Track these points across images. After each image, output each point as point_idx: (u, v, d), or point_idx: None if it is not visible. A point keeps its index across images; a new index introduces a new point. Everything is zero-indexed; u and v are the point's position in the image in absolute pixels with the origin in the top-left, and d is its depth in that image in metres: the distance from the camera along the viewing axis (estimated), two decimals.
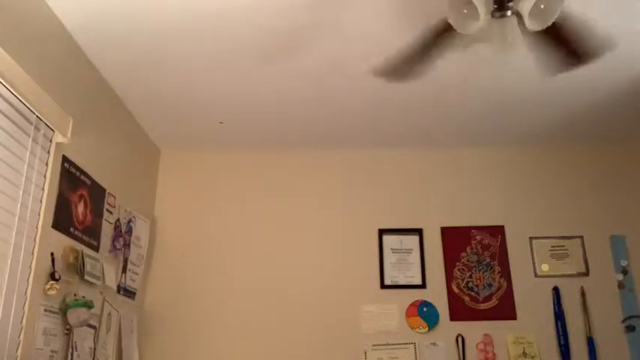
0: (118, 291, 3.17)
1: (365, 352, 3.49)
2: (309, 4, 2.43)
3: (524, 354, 3.46)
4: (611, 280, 3.61)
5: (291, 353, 3.50)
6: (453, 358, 3.48)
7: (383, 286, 3.64)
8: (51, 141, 2.48)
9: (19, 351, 2.19)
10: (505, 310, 3.58)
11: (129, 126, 3.45)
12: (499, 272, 3.67)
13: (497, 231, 3.76)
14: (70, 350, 2.54)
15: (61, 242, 2.53)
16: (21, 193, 2.23)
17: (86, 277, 2.68)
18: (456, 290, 3.64)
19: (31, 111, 2.29)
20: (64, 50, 2.63)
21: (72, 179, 2.64)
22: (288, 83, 3.10)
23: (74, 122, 2.60)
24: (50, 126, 2.43)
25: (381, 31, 2.60)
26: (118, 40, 2.70)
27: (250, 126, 3.62)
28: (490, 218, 3.80)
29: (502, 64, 2.92)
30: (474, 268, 3.68)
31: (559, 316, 3.53)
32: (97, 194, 2.92)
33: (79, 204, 2.71)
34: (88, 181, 2.82)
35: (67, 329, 2.53)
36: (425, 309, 3.59)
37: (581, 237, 3.72)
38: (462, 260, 3.70)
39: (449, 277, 3.66)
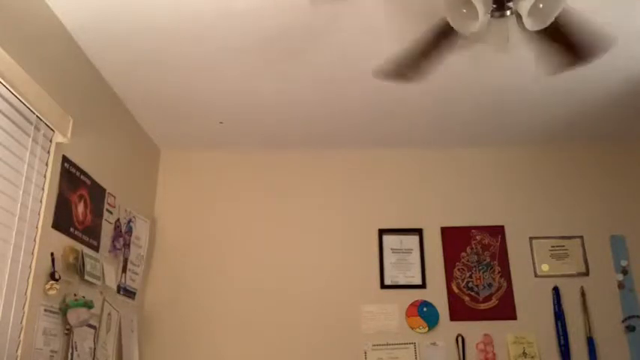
0: (118, 291, 3.17)
1: (365, 352, 3.49)
2: (309, 5, 2.43)
3: (524, 354, 3.46)
4: (611, 280, 3.61)
5: (291, 353, 3.50)
6: (453, 358, 3.48)
7: (383, 286, 3.64)
8: (51, 141, 2.48)
9: (19, 351, 2.19)
10: (505, 310, 3.58)
11: (129, 126, 3.46)
12: (499, 272, 3.67)
13: (497, 231, 3.76)
14: (70, 350, 2.54)
15: (61, 242, 2.53)
16: (21, 193, 2.24)
17: (86, 277, 2.68)
18: (456, 290, 3.64)
19: (31, 111, 2.29)
20: (64, 50, 2.63)
21: (72, 179, 2.64)
22: (288, 83, 3.10)
23: (74, 122, 2.60)
24: (50, 126, 2.43)
25: (382, 31, 2.60)
26: (118, 40, 2.70)
27: (250, 126, 3.62)
28: (490, 218, 3.80)
29: (502, 64, 2.92)
30: (474, 268, 3.68)
31: (559, 316, 3.53)
32: (97, 194, 2.92)
33: (79, 204, 2.71)
34: (88, 181, 2.82)
35: (67, 329, 2.54)
36: (425, 309, 3.59)
37: (581, 237, 3.72)
38: (462, 260, 3.70)
39: (449, 277, 3.66)
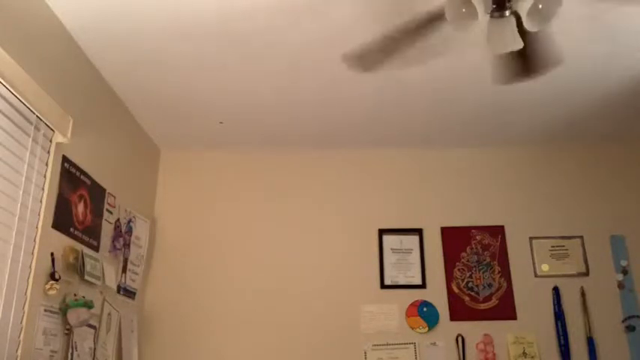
0: (118, 291, 3.17)
1: (365, 352, 3.49)
2: (311, 4, 2.44)
3: (524, 354, 3.46)
4: (611, 280, 3.61)
5: (291, 353, 3.50)
6: (453, 358, 3.48)
7: (383, 286, 3.65)
8: (51, 141, 2.48)
9: (19, 351, 2.19)
10: (505, 310, 3.58)
11: (129, 126, 3.46)
12: (499, 272, 3.67)
13: (497, 231, 3.76)
14: (70, 350, 2.54)
15: (61, 242, 2.53)
16: (21, 193, 2.24)
17: (86, 277, 2.68)
18: (456, 290, 3.64)
19: (31, 111, 2.29)
20: (64, 50, 2.63)
21: (72, 179, 2.64)
22: (288, 83, 3.10)
23: (74, 122, 2.60)
24: (50, 126, 2.43)
25: (381, 31, 2.60)
26: (118, 40, 2.71)
27: (250, 126, 3.62)
28: (490, 218, 3.80)
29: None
30: (474, 268, 3.68)
31: (559, 316, 3.53)
32: (97, 194, 2.92)
33: (79, 204, 2.71)
34: (88, 181, 2.82)
35: (67, 329, 2.54)
36: (425, 309, 3.59)
37: (581, 237, 3.72)
38: (462, 260, 3.70)
39: (449, 277, 3.66)
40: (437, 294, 3.63)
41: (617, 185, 3.83)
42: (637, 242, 3.68)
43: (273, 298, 3.62)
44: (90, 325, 2.75)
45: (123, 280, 3.24)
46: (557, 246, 3.71)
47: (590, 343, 3.46)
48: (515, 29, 1.92)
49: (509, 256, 3.71)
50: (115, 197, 3.14)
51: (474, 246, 3.73)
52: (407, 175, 3.92)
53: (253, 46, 2.75)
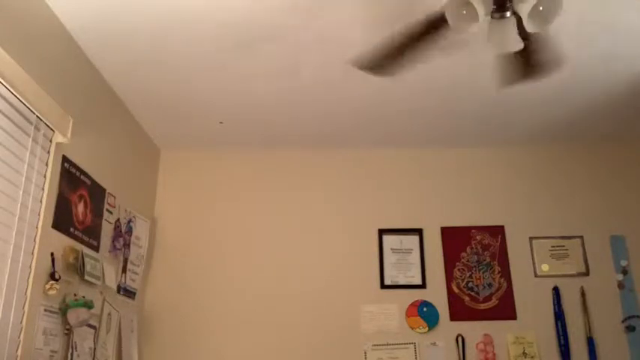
0: (118, 291, 3.17)
1: (365, 352, 3.50)
2: (311, 4, 2.43)
3: (524, 354, 3.46)
4: (611, 280, 3.61)
5: (291, 353, 3.50)
6: (453, 358, 3.48)
7: (383, 286, 3.65)
8: (51, 141, 2.48)
9: (19, 351, 2.19)
10: (505, 310, 3.58)
11: (129, 126, 3.46)
12: (499, 272, 3.67)
13: (497, 231, 3.76)
14: (70, 350, 2.54)
15: (61, 242, 2.53)
16: (21, 193, 2.24)
17: (86, 277, 2.68)
18: (456, 290, 3.64)
19: (31, 111, 2.29)
20: (64, 50, 2.63)
21: (72, 179, 2.64)
22: (288, 83, 3.10)
23: (74, 122, 2.60)
24: (50, 126, 2.43)
25: (380, 31, 2.60)
26: (118, 40, 2.70)
27: (250, 126, 3.62)
28: (490, 218, 3.80)
29: (502, 65, 2.91)
30: (474, 268, 3.69)
31: (559, 316, 3.53)
32: (97, 194, 2.92)
33: (79, 204, 2.71)
34: (88, 181, 2.82)
35: (67, 329, 2.54)
36: (425, 309, 3.59)
37: (581, 237, 3.72)
38: (462, 260, 3.70)
39: (449, 277, 3.66)
40: (437, 294, 3.63)
41: (617, 185, 3.83)
42: (637, 242, 3.68)
43: (273, 298, 3.62)
44: (90, 325, 2.75)
45: (123, 280, 3.24)
46: (557, 246, 3.71)
47: (590, 343, 3.46)
48: (516, 30, 1.92)
49: (509, 256, 3.71)
50: (115, 197, 3.14)
51: (473, 246, 3.73)
52: (407, 175, 3.92)
53: (253, 46, 2.75)
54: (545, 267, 3.66)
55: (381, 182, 3.90)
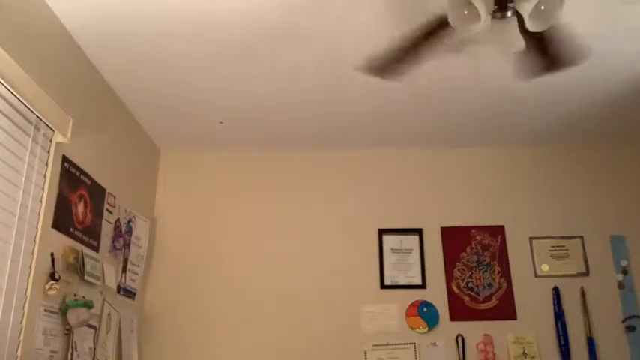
0: (118, 291, 3.16)
1: (365, 352, 3.49)
2: (310, 4, 2.43)
3: (524, 354, 3.46)
4: (611, 280, 3.61)
5: (291, 353, 3.50)
6: (453, 358, 3.48)
7: (383, 286, 3.64)
8: (51, 141, 2.48)
9: (19, 351, 2.19)
10: (505, 310, 3.58)
11: (129, 126, 3.45)
12: (499, 272, 3.67)
13: (497, 231, 3.76)
14: (70, 350, 2.54)
15: (61, 242, 2.53)
16: (21, 193, 2.23)
17: (86, 277, 2.68)
18: (456, 290, 3.64)
19: (31, 111, 2.29)
20: (64, 50, 2.63)
21: (72, 179, 2.64)
22: (288, 83, 3.10)
23: (74, 122, 2.59)
24: (50, 126, 2.43)
25: (381, 30, 2.60)
26: (118, 40, 2.70)
27: (250, 126, 3.62)
28: (490, 218, 3.80)
29: (502, 65, 2.92)
30: (474, 268, 3.68)
31: (559, 316, 3.53)
32: (97, 194, 2.92)
33: (79, 204, 2.71)
34: (88, 181, 2.82)
35: (67, 329, 2.53)
36: (425, 309, 3.59)
37: (581, 237, 3.72)
38: (462, 260, 3.70)
39: (449, 277, 3.66)
40: (437, 294, 3.63)
41: (617, 185, 3.83)
42: (637, 242, 3.68)
43: (273, 298, 3.62)
44: (90, 325, 2.74)
45: (123, 280, 3.23)
46: (557, 246, 3.71)
47: (590, 343, 3.46)
48: (517, 29, 1.92)
49: (509, 256, 3.70)
50: (115, 197, 3.13)
51: (473, 246, 3.73)
52: (407, 175, 3.92)
53: (253, 47, 2.75)
54: (545, 267, 3.66)
55: (381, 182, 3.90)
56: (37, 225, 2.35)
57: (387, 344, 3.51)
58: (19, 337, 2.20)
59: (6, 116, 2.15)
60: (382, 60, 2.45)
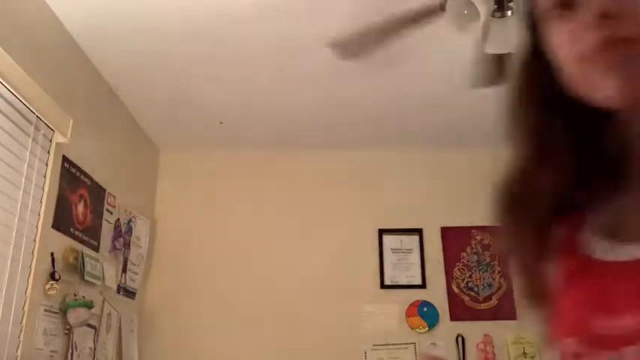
0: (118, 291, 3.16)
1: (365, 352, 3.49)
2: (310, 3, 2.43)
3: (524, 354, 3.46)
4: None
5: (291, 352, 3.49)
6: (453, 358, 3.48)
7: (383, 286, 3.64)
8: (51, 141, 2.48)
9: (19, 351, 2.19)
10: (505, 310, 3.57)
11: (129, 126, 3.45)
12: (499, 272, 3.67)
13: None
14: (70, 350, 2.54)
15: (61, 242, 2.53)
16: (21, 193, 2.23)
17: (86, 277, 2.68)
18: (456, 290, 3.64)
19: (31, 111, 2.29)
20: (64, 50, 2.63)
21: (72, 179, 2.64)
22: (287, 84, 3.10)
23: (74, 122, 2.59)
24: (50, 126, 2.43)
25: None
26: (119, 41, 2.70)
27: (250, 126, 3.62)
28: (490, 218, 3.79)
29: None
30: (474, 268, 3.68)
31: None
32: (97, 194, 2.92)
33: (79, 204, 2.71)
34: (88, 181, 2.82)
35: (67, 329, 2.53)
36: (425, 309, 3.59)
37: None
38: (462, 260, 3.70)
39: (449, 277, 3.66)
40: (437, 294, 3.63)
41: None
42: None
43: (273, 298, 3.62)
44: (90, 325, 2.74)
45: (123, 280, 3.23)
46: None
47: None
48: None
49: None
50: (115, 197, 3.13)
51: (473, 246, 3.73)
52: (407, 175, 3.91)
53: (253, 46, 2.75)
54: None
55: (381, 182, 3.90)
56: (37, 225, 2.36)
57: (387, 344, 3.51)
58: (19, 337, 2.20)
59: (6, 116, 2.15)
60: (352, 39, 2.35)
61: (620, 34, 0.57)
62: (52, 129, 2.45)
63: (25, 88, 2.18)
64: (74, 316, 2.50)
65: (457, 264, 3.69)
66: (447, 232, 3.76)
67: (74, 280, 2.62)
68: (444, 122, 3.60)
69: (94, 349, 2.78)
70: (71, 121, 2.56)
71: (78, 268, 2.64)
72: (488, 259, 3.70)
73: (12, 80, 2.10)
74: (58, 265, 2.46)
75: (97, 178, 2.91)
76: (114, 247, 3.10)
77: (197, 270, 3.68)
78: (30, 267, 2.30)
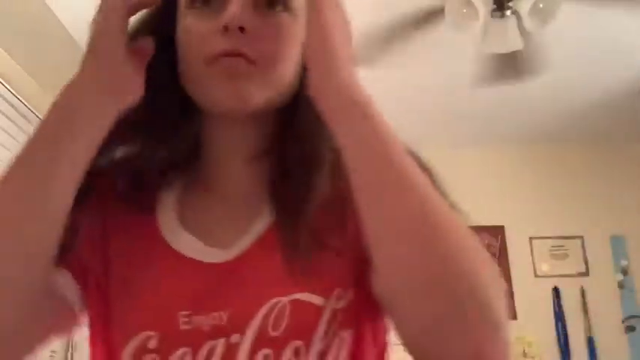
0: None
1: None
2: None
3: (524, 354, 3.46)
4: (611, 280, 3.61)
5: None
6: None
7: None
8: None
9: None
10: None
11: None
12: (499, 272, 3.66)
13: (497, 231, 3.75)
14: (70, 350, 2.54)
15: None
16: None
17: None
18: None
19: (31, 111, 2.29)
20: (65, 50, 2.63)
21: None
22: None
23: None
24: None
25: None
26: None
27: None
28: (490, 218, 3.79)
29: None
30: None
31: (559, 316, 3.53)
32: None
33: None
34: None
35: None
36: None
37: (581, 237, 3.72)
38: None
39: None
40: None
41: (617, 185, 3.83)
42: (637, 242, 3.68)
43: None
44: None
45: None
46: (557, 246, 3.71)
47: (590, 343, 3.46)
48: (516, 29, 1.92)
49: (509, 256, 3.70)
50: None
51: None
52: None
53: None
54: (545, 267, 3.66)
55: None
56: None
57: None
58: None
59: (6, 116, 2.15)
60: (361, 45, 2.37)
61: (241, 50, 0.61)
62: None
63: (25, 89, 2.18)
64: None
65: None
66: None
67: None
68: (444, 122, 3.59)
69: None
70: None
71: None
72: None
73: (12, 80, 2.10)
74: None
75: None
76: None
77: None
78: None
